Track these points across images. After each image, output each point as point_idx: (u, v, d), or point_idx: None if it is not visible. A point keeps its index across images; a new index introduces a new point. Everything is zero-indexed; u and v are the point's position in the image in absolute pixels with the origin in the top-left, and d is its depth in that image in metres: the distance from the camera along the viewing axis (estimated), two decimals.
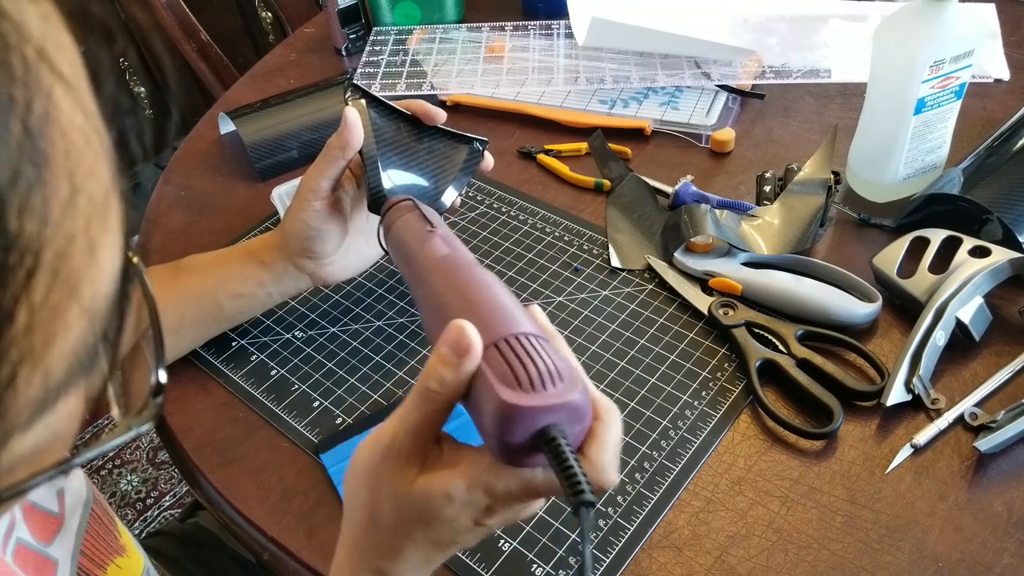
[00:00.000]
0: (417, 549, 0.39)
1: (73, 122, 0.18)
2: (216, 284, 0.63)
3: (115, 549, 0.52)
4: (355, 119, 0.58)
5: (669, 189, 0.76)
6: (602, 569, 0.51)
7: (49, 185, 0.17)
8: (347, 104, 0.60)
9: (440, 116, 0.63)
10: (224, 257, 0.64)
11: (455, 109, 0.94)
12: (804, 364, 0.60)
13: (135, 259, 0.22)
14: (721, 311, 0.64)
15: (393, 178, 0.60)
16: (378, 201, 0.59)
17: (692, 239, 0.68)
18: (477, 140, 0.64)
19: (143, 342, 0.24)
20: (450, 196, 0.62)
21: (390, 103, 0.62)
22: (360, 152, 0.59)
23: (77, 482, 0.50)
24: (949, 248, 0.63)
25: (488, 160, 0.65)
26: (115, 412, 0.23)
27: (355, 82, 0.61)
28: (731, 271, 0.67)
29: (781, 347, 0.61)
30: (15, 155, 0.16)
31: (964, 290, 0.60)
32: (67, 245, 0.18)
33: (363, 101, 0.61)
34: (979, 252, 0.62)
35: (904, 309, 0.64)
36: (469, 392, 0.38)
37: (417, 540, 0.38)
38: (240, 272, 0.63)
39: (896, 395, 0.57)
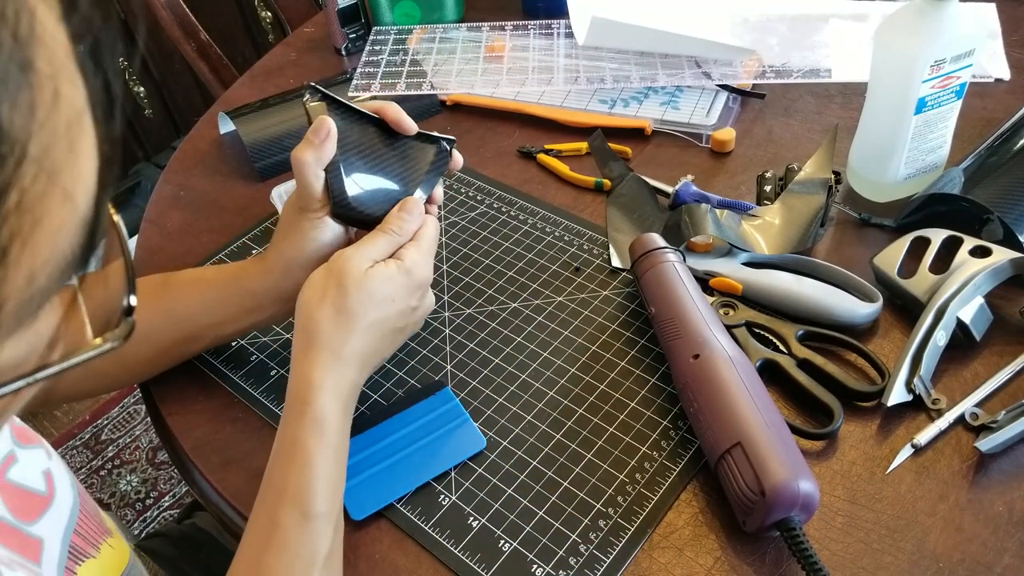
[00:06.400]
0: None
1: (55, 37, 0.20)
2: (198, 309, 0.61)
3: (104, 531, 0.52)
4: (331, 129, 0.57)
5: (669, 189, 0.76)
6: (602, 569, 0.51)
7: (35, 87, 0.19)
8: (305, 107, 0.57)
9: (410, 127, 0.61)
10: (208, 281, 0.62)
11: (455, 109, 0.94)
12: (805, 364, 0.60)
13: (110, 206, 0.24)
14: (722, 311, 0.64)
15: (357, 183, 0.58)
16: (341, 208, 0.57)
17: (692, 239, 0.68)
18: (444, 139, 0.62)
19: (113, 270, 0.26)
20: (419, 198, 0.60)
21: (350, 104, 0.59)
22: None
23: (61, 464, 0.50)
24: (950, 248, 0.63)
25: (457, 159, 0.63)
26: (87, 331, 0.25)
27: (313, 84, 0.59)
28: (732, 271, 0.67)
29: (782, 347, 0.61)
30: (5, 60, 0.18)
31: (965, 290, 0.60)
32: (50, 140, 0.20)
33: (323, 103, 0.58)
34: (980, 252, 0.62)
35: (905, 309, 0.64)
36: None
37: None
38: (221, 298, 0.61)
39: (897, 395, 0.57)
